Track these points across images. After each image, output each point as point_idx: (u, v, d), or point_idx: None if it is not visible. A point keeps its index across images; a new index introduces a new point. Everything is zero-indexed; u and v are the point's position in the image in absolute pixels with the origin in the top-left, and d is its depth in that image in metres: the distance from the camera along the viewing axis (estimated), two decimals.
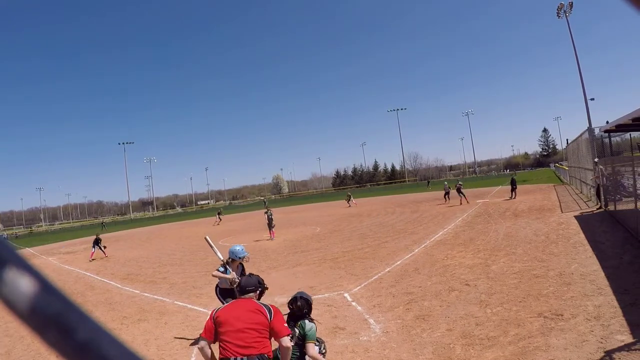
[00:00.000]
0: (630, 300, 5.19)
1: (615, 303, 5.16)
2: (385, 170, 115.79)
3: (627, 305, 5.04)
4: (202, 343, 3.10)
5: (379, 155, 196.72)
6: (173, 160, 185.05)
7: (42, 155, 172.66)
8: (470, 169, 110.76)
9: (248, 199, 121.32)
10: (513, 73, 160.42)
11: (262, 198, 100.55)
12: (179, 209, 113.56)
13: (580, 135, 19.71)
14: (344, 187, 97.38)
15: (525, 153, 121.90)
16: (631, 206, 9.83)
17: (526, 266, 7.60)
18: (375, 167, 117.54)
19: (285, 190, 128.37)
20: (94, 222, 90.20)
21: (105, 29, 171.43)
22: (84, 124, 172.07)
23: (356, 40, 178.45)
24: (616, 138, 13.38)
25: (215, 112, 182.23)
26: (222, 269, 5.47)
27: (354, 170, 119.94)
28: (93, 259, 16.96)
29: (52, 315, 0.27)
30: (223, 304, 4.89)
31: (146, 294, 9.34)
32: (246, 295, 3.31)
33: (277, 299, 7.21)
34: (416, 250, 10.70)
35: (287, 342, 3.13)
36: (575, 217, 13.06)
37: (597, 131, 15.74)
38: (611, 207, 12.65)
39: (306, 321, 3.70)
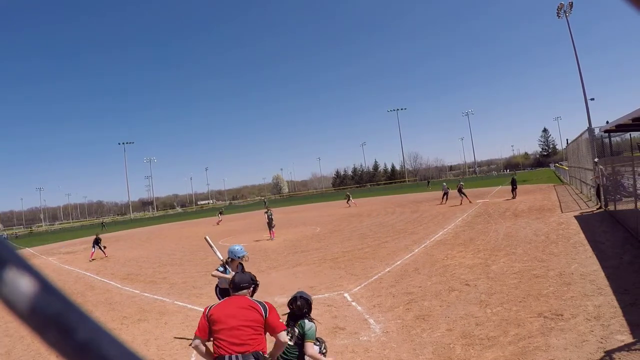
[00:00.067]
0: (630, 300, 5.19)
1: (615, 303, 5.16)
2: (385, 170, 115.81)
3: (627, 305, 5.04)
4: (196, 341, 3.10)
5: (379, 155, 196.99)
6: (173, 160, 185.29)
7: (42, 155, 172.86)
8: (470, 169, 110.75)
9: (248, 199, 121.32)
10: (513, 73, 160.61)
11: (262, 198, 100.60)
12: (179, 209, 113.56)
13: (580, 135, 19.70)
14: (344, 187, 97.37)
15: (525, 153, 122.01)
16: (631, 206, 9.84)
17: (526, 266, 7.60)
18: (375, 167, 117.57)
19: (285, 190, 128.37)
20: (94, 222, 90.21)
21: (105, 29, 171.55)
22: (84, 124, 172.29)
23: (356, 40, 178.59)
24: (616, 138, 13.38)
25: (215, 112, 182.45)
26: (221, 269, 5.47)
27: (354, 170, 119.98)
28: (93, 259, 16.96)
29: (52, 315, 0.27)
30: None
31: (146, 294, 9.34)
32: (240, 292, 3.30)
33: (277, 299, 7.21)
34: (416, 250, 10.70)
35: (284, 337, 3.17)
36: (575, 217, 13.06)
37: (597, 131, 15.74)
38: (611, 207, 12.65)
39: (306, 320, 3.71)
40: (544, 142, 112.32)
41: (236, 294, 3.30)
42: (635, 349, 3.97)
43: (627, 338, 4.21)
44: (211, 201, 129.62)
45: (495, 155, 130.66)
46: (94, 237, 18.20)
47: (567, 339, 4.38)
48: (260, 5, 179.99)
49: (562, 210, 15.01)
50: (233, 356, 2.93)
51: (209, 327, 3.07)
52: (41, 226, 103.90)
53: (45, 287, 0.28)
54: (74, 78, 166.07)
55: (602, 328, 4.52)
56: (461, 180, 27.42)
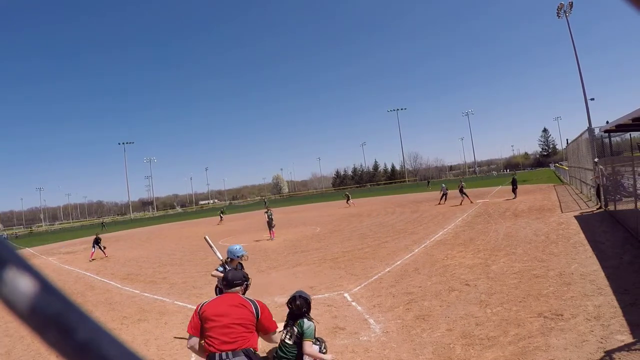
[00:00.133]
0: (630, 300, 5.19)
1: (615, 303, 5.16)
2: (385, 170, 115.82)
3: (627, 305, 5.04)
4: (192, 342, 3.10)
5: (379, 155, 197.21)
6: (173, 160, 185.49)
7: (42, 155, 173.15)
8: (470, 169, 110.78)
9: (248, 199, 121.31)
10: (513, 73, 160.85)
11: (262, 198, 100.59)
12: (179, 209, 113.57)
13: (580, 135, 19.70)
14: (344, 187, 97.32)
15: (525, 153, 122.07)
16: (631, 206, 9.83)
17: (526, 266, 7.59)
18: (375, 167, 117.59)
19: (285, 190, 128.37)
20: (94, 222, 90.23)
21: (105, 29, 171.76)
22: (84, 124, 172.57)
23: (356, 40, 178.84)
24: (616, 138, 13.38)
25: (215, 112, 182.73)
26: (221, 269, 5.47)
27: (354, 170, 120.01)
28: (93, 259, 16.96)
29: (52, 315, 0.27)
30: None
31: (146, 294, 9.34)
32: (232, 290, 3.30)
33: (277, 299, 7.21)
34: (416, 250, 10.69)
35: (277, 337, 3.27)
36: (575, 217, 13.05)
37: (597, 131, 15.73)
38: (611, 207, 12.65)
39: (305, 320, 3.71)
40: (544, 142, 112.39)
41: (229, 290, 3.31)
42: (635, 349, 3.97)
43: (627, 338, 4.21)
44: (212, 201, 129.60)
45: (495, 155, 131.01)
46: (94, 237, 18.20)
47: (567, 339, 4.38)
48: (260, 5, 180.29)
49: (562, 210, 15.00)
50: (223, 354, 2.93)
51: (201, 325, 3.08)
52: (41, 226, 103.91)
53: (45, 287, 0.28)
54: (74, 78, 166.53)
55: (602, 328, 4.52)
56: (462, 180, 27.34)
